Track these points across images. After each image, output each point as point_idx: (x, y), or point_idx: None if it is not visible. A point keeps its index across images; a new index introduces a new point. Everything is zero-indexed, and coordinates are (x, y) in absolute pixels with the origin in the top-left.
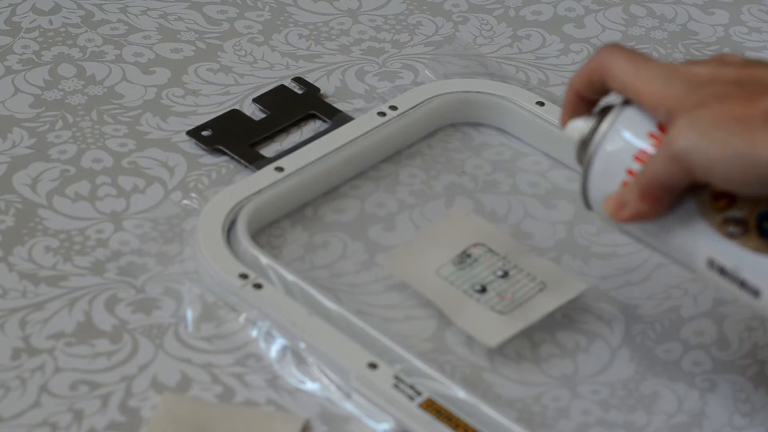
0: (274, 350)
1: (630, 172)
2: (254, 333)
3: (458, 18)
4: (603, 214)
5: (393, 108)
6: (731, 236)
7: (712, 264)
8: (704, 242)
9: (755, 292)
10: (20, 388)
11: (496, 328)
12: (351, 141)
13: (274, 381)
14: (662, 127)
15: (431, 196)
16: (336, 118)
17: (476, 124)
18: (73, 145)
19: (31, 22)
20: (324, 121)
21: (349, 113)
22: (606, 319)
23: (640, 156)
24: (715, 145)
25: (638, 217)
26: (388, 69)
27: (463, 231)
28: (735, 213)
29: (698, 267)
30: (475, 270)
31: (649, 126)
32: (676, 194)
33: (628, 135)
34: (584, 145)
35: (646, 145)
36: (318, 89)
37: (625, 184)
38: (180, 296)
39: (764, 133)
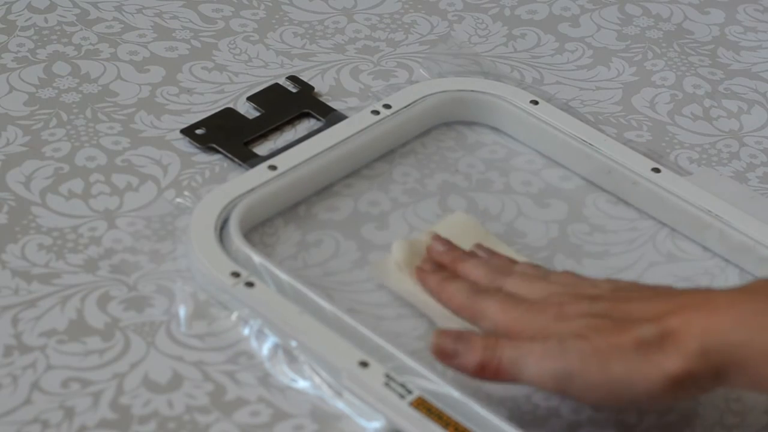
0: (265, 348)
1: None
2: (246, 331)
3: (453, 17)
4: None
5: (387, 106)
6: None
7: None
8: None
9: None
10: (12, 385)
11: None
12: (345, 139)
13: (265, 379)
14: None
15: (424, 194)
16: (330, 116)
17: (470, 123)
18: (67, 143)
19: (26, 21)
20: (318, 119)
21: (343, 112)
22: None
23: None
24: (595, 371)
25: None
26: (383, 68)
27: (456, 238)
28: None
29: None
30: None
31: None
32: None
33: None
34: None
35: None
36: (312, 88)
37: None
38: (172, 294)
39: (637, 360)
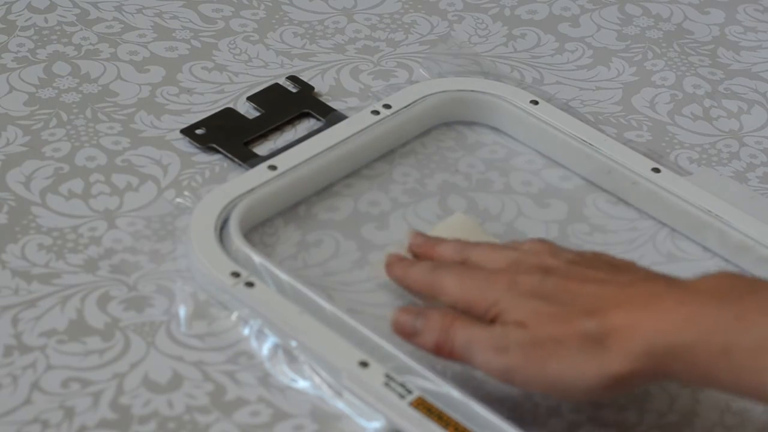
0: (265, 348)
1: None
2: (246, 331)
3: (453, 17)
4: None
5: (387, 106)
6: None
7: None
8: None
9: None
10: (12, 385)
11: None
12: (345, 139)
13: (265, 379)
14: None
15: (424, 194)
16: (330, 116)
17: (470, 123)
18: (67, 143)
19: (26, 21)
20: (318, 119)
21: (343, 112)
22: None
23: None
24: (535, 366)
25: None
26: (383, 68)
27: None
28: None
29: None
30: None
31: None
32: None
33: None
34: None
35: None
36: (312, 88)
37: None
38: (172, 294)
39: (578, 357)
